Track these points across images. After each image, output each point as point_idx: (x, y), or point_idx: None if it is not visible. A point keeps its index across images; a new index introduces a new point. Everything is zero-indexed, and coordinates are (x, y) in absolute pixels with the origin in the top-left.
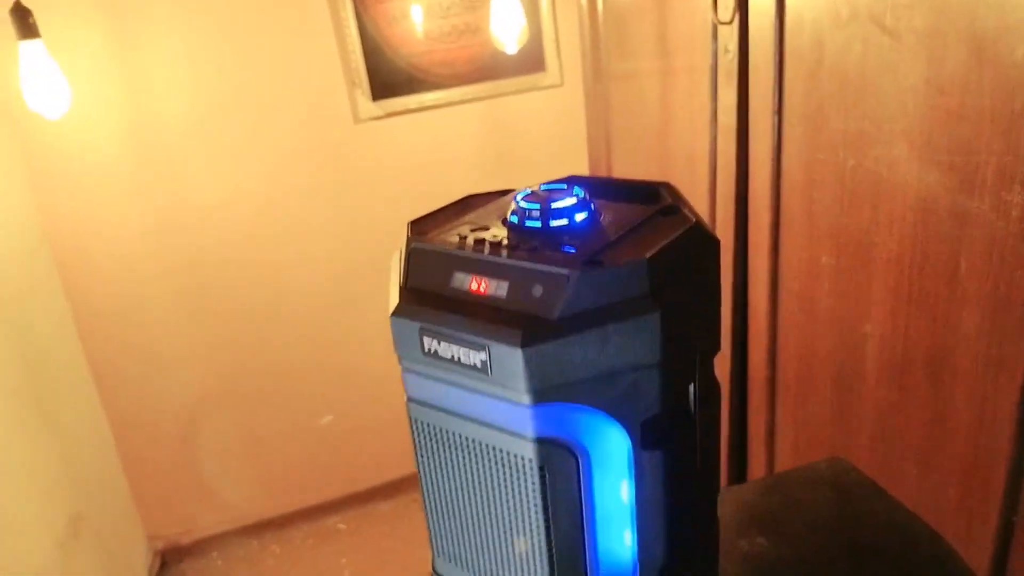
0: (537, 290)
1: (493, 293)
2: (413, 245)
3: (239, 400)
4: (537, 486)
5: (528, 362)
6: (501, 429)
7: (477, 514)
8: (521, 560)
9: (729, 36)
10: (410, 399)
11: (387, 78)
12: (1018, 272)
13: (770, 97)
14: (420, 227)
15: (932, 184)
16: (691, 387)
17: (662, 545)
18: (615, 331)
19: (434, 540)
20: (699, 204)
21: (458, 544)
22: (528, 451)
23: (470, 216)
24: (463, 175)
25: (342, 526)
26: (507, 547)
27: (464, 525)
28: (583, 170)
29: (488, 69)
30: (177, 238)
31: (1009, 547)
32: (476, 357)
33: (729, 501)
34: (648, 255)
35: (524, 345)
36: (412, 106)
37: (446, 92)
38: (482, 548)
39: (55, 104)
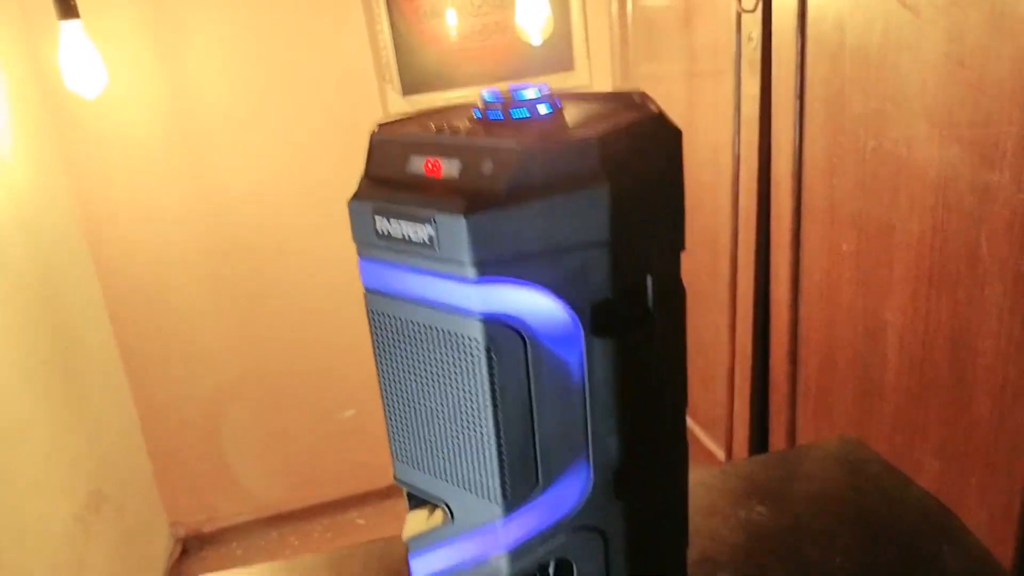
0: (487, 167)
1: (447, 173)
2: (375, 136)
3: (265, 390)
4: (484, 369)
5: (472, 232)
6: (449, 309)
7: (431, 408)
8: (472, 455)
9: (753, 24)
10: (367, 290)
11: (417, 74)
12: None
13: (792, 83)
14: (387, 125)
15: (952, 160)
16: (648, 279)
17: (616, 446)
18: (562, 203)
19: (394, 445)
20: (722, 196)
21: (415, 445)
22: (475, 331)
23: (439, 116)
24: None
25: (361, 521)
26: (460, 442)
27: (420, 423)
28: None
29: (517, 68)
30: (207, 225)
31: None
32: (424, 232)
33: (731, 473)
34: (599, 133)
35: (467, 213)
36: (441, 102)
37: (475, 89)
38: (437, 446)
39: (92, 84)
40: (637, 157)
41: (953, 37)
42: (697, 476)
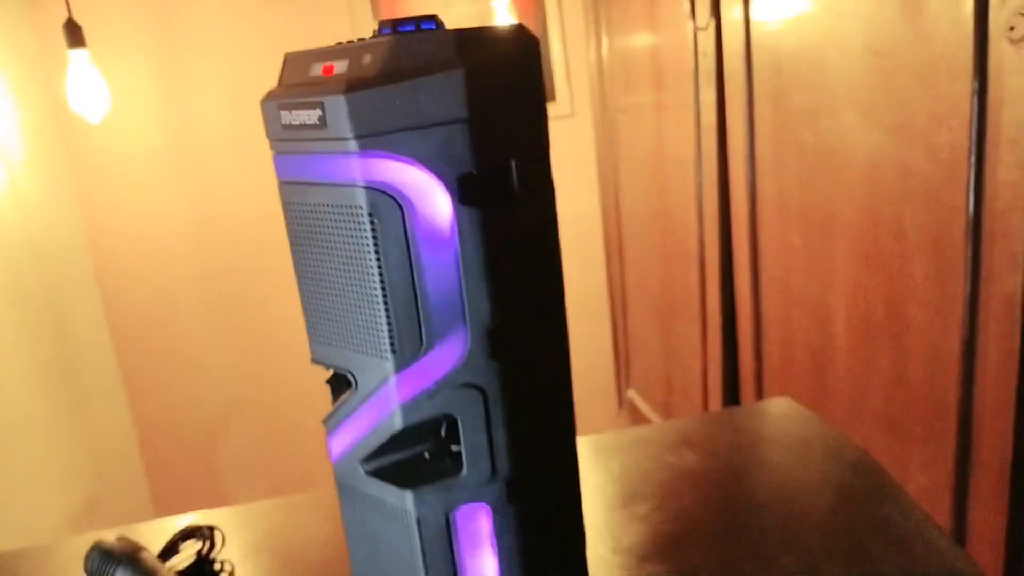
0: (366, 58)
1: (337, 72)
2: (287, 55)
3: (262, 411)
4: (368, 235)
5: (350, 108)
6: (339, 184)
7: (332, 282)
8: (366, 319)
9: (707, 40)
10: (280, 183)
11: None
12: (950, 214)
13: (742, 89)
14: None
15: (876, 144)
16: (512, 162)
17: (488, 309)
18: (425, 83)
19: (309, 328)
20: (689, 207)
21: (324, 322)
22: (360, 199)
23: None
24: None
25: None
26: (356, 309)
27: (325, 299)
28: (594, 191)
29: None
30: (209, 246)
31: (967, 497)
32: (315, 115)
33: (668, 428)
34: (458, 30)
35: (346, 93)
36: None
37: None
38: (340, 317)
39: (96, 108)
40: (493, 53)
41: (870, 29)
42: (636, 432)
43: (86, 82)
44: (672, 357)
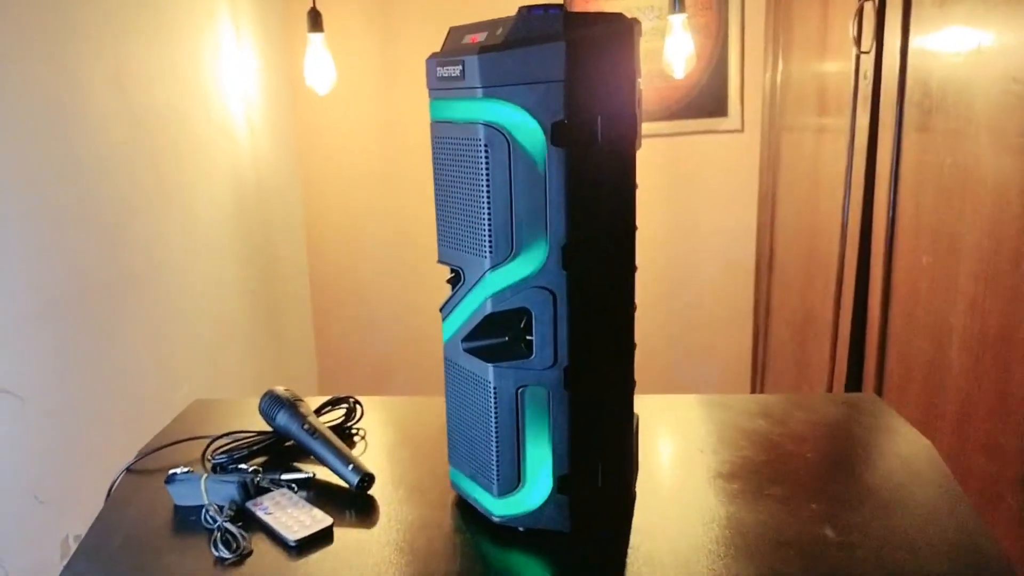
0: (499, 31)
1: (479, 41)
2: (451, 29)
3: (423, 359)
4: (483, 161)
5: (480, 65)
6: (467, 121)
7: (455, 199)
8: (474, 227)
9: (868, 64)
10: (432, 122)
11: None
12: None
13: (893, 112)
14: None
15: (1005, 168)
16: (598, 118)
17: (564, 227)
18: (533, 51)
19: (438, 234)
20: (834, 221)
21: (447, 229)
22: (480, 133)
23: None
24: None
25: None
26: (468, 219)
27: (449, 212)
28: (753, 204)
29: (675, 110)
30: (395, 214)
31: None
32: (457, 70)
33: (751, 400)
34: (565, 12)
35: (479, 55)
36: None
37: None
38: (457, 226)
39: (324, 83)
40: (591, 32)
41: (1013, 56)
42: (719, 399)
43: (319, 60)
44: (802, 371)
